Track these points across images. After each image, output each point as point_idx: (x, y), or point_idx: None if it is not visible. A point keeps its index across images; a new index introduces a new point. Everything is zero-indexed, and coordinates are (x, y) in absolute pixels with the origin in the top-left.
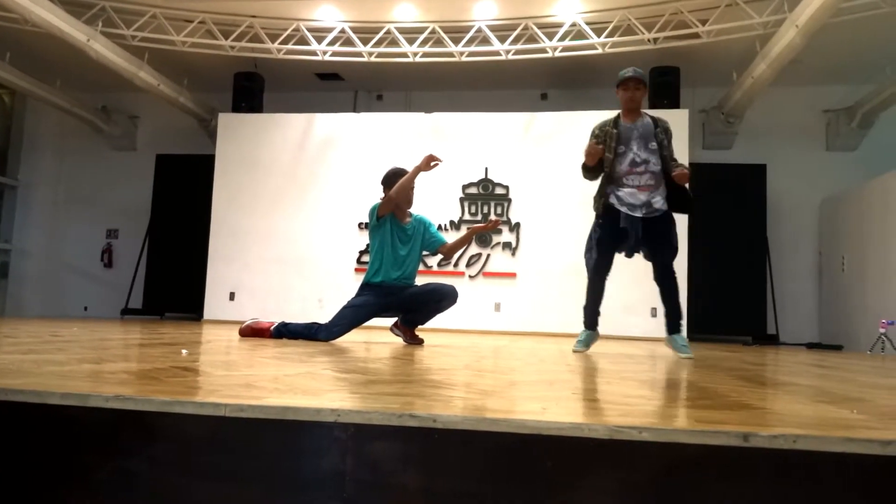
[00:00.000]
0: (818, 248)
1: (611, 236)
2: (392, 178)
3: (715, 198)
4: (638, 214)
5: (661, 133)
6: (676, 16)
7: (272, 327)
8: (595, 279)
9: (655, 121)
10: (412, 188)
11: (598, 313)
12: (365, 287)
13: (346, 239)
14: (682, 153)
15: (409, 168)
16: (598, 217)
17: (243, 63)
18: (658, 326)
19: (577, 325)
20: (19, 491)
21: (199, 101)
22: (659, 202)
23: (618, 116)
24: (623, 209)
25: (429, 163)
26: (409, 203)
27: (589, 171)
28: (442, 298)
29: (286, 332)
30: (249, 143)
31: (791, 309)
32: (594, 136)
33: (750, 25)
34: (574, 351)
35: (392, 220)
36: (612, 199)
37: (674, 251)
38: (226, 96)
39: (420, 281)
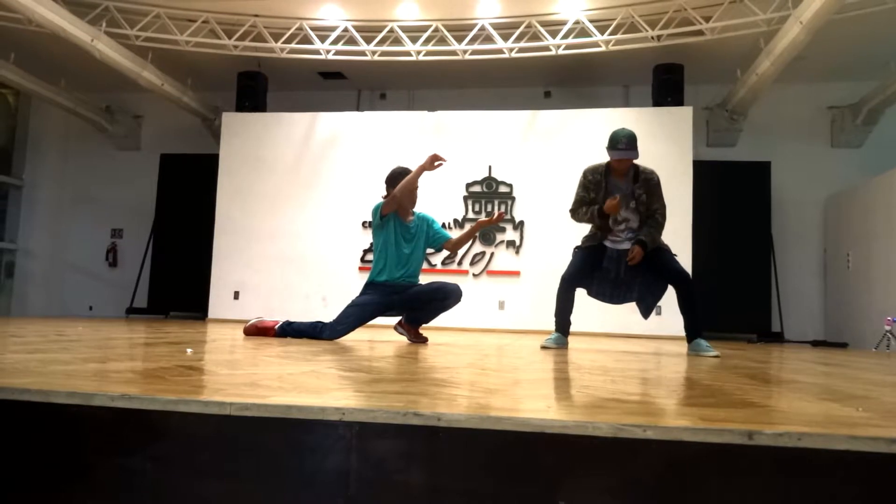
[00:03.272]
0: (823, 245)
1: (594, 253)
2: (396, 178)
3: (719, 195)
4: (625, 247)
5: (641, 187)
6: (680, 13)
7: (276, 326)
8: (567, 288)
9: (637, 175)
10: (416, 188)
11: (568, 322)
12: (369, 286)
13: (350, 237)
14: (685, 151)
15: (414, 167)
16: (585, 241)
17: (247, 62)
18: (661, 324)
19: (581, 324)
20: (25, 490)
21: (202, 100)
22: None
23: (608, 167)
24: (610, 244)
25: (433, 162)
26: (412, 202)
27: (587, 219)
28: (446, 297)
29: (290, 330)
30: (253, 142)
31: (796, 306)
32: (586, 179)
33: (754, 22)
34: (543, 347)
35: (395, 218)
36: (606, 242)
37: (675, 261)
38: (229, 95)
39: (424, 280)
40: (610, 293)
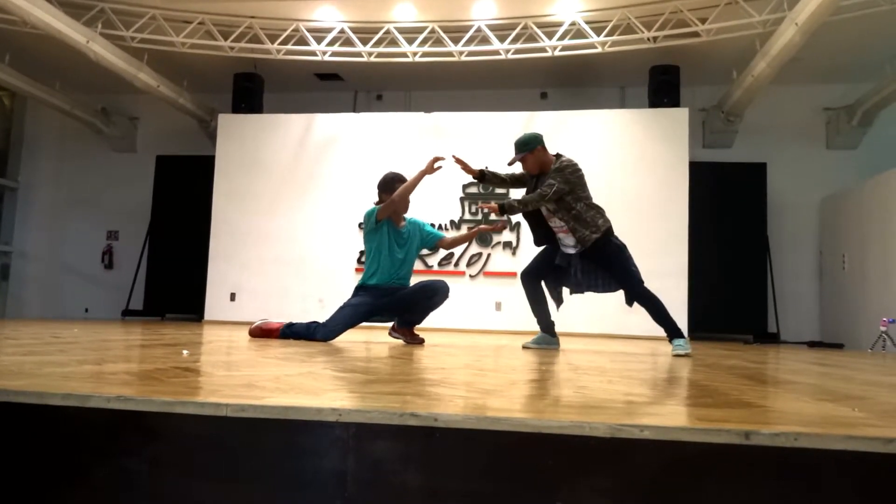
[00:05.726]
0: (819, 246)
1: (551, 253)
2: (390, 183)
3: (715, 197)
4: (572, 251)
5: (542, 179)
6: (676, 14)
7: (281, 328)
8: (527, 282)
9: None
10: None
11: (550, 320)
12: (360, 289)
13: (347, 239)
14: (682, 152)
15: (407, 172)
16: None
17: (243, 64)
18: (657, 325)
19: (576, 324)
20: (21, 492)
21: (198, 102)
22: (583, 235)
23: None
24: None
25: (433, 166)
26: (405, 208)
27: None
28: (433, 294)
29: (290, 332)
30: (249, 143)
31: (792, 307)
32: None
33: (749, 24)
34: (524, 347)
35: (389, 224)
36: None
37: (629, 275)
38: (225, 97)
39: (417, 281)
40: (573, 287)
